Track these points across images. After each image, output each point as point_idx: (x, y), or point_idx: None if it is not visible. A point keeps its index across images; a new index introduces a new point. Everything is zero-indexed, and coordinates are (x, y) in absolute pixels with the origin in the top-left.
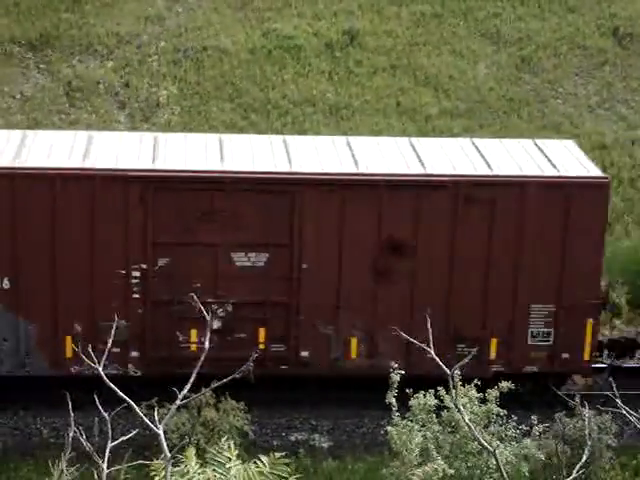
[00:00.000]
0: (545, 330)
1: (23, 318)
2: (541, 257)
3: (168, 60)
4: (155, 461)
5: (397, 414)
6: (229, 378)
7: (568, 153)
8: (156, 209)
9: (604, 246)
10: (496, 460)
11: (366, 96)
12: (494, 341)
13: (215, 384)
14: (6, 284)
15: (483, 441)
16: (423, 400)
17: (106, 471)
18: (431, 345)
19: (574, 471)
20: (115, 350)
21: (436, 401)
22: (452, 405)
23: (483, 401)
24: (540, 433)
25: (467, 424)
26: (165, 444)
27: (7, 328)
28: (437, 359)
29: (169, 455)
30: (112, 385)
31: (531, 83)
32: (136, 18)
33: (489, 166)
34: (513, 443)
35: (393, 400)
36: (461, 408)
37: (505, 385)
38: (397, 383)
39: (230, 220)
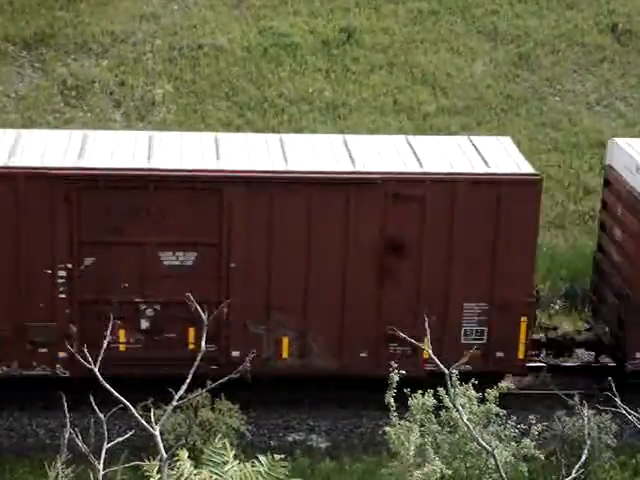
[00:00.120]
0: (478, 329)
1: None
2: (473, 255)
3: (163, 58)
4: (147, 462)
5: (395, 414)
6: (225, 379)
7: (502, 150)
8: (81, 208)
9: (537, 244)
10: (495, 460)
11: (363, 94)
12: (427, 340)
13: (211, 385)
14: None
15: (482, 441)
16: (421, 400)
17: (102, 472)
18: (429, 344)
19: (573, 471)
20: (43, 351)
21: (434, 401)
22: (451, 405)
23: (482, 401)
24: (539, 433)
25: (465, 424)
26: (161, 445)
27: None
28: (435, 359)
29: (165, 456)
30: (108, 386)
31: (529, 80)
32: (131, 16)
33: (420, 163)
34: (512, 443)
35: (392, 400)
36: (459, 408)
37: (505, 386)
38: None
39: (157, 219)
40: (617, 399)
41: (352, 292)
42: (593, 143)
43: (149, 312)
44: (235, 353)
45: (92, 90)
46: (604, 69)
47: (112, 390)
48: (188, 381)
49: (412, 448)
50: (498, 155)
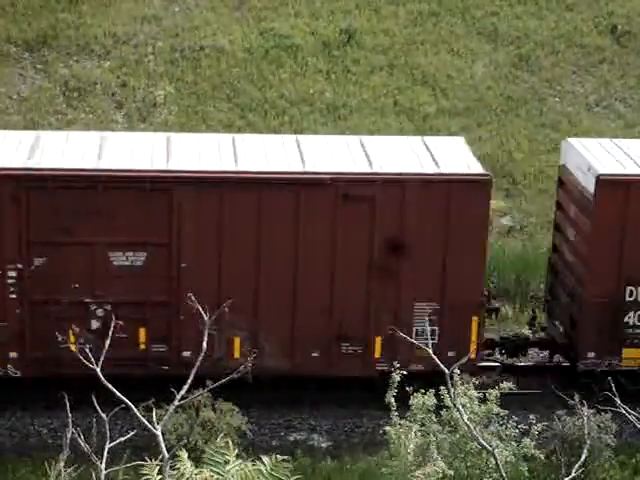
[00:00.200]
0: (430, 328)
1: None
2: (424, 255)
3: (165, 60)
4: (149, 462)
5: (396, 414)
6: (227, 379)
7: (454, 150)
8: (31, 208)
9: (487, 244)
10: (495, 460)
11: (363, 95)
12: (379, 340)
13: (212, 385)
14: None
15: (482, 441)
16: (422, 399)
17: (104, 472)
18: (429, 344)
19: (573, 470)
20: None
21: (435, 400)
22: (451, 404)
23: (482, 400)
24: (539, 432)
25: (466, 423)
26: (163, 445)
27: None
28: (435, 358)
29: (167, 456)
30: (110, 386)
31: (529, 81)
32: (133, 18)
33: (370, 164)
34: (512, 443)
35: (392, 400)
36: (460, 407)
37: (506, 386)
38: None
39: (107, 219)
40: (617, 399)
41: (303, 292)
42: None
43: (99, 312)
44: (186, 353)
45: (94, 91)
46: (603, 70)
47: (114, 390)
48: (189, 381)
49: (411, 447)
50: (449, 156)
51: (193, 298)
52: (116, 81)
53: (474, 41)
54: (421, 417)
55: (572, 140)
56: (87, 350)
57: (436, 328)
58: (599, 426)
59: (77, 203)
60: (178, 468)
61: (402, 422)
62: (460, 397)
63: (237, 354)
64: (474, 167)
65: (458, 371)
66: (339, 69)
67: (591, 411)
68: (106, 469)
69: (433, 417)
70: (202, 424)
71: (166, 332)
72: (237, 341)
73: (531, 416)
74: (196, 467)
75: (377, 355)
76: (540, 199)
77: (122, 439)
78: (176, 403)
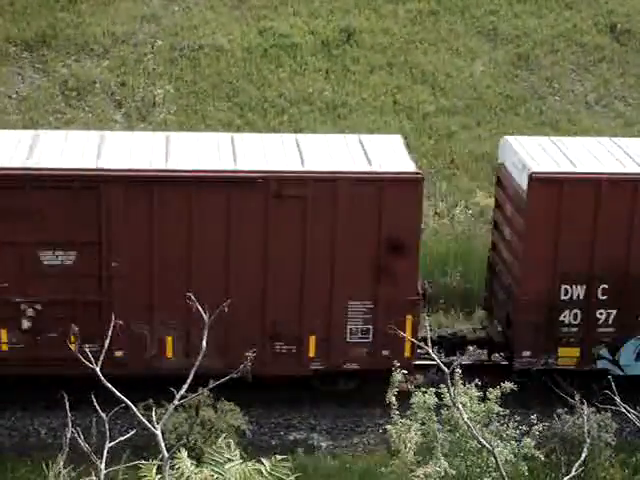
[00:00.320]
0: (364, 327)
1: None
2: (357, 253)
3: (164, 59)
4: (148, 462)
5: (397, 412)
6: (226, 378)
7: (389, 149)
8: None
9: (420, 242)
10: (495, 459)
11: (363, 94)
12: (312, 339)
13: (213, 384)
14: None
15: (482, 439)
16: (423, 398)
17: (104, 471)
18: (430, 344)
19: (573, 469)
20: None
21: (436, 399)
22: (452, 403)
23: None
24: (539, 432)
25: (466, 422)
26: (163, 444)
27: None
28: (434, 356)
29: (167, 455)
30: (110, 386)
31: (528, 80)
32: (132, 17)
33: (302, 162)
34: (513, 442)
35: (393, 399)
36: (460, 406)
37: (508, 386)
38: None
39: (36, 218)
40: (617, 397)
41: (235, 291)
42: None
43: (30, 312)
44: (118, 353)
45: (93, 91)
46: (603, 69)
47: (114, 390)
48: (189, 381)
49: (409, 445)
50: (383, 154)
51: (193, 297)
52: (115, 80)
53: (473, 40)
54: (421, 416)
55: (509, 138)
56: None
57: (370, 327)
58: (599, 425)
59: (6, 202)
60: (178, 468)
61: (403, 421)
62: (460, 396)
63: (170, 354)
64: (406, 166)
65: (459, 371)
66: (338, 68)
67: (591, 410)
68: (106, 469)
69: (434, 416)
70: (202, 423)
71: (97, 332)
72: (169, 340)
73: (532, 416)
74: (196, 467)
75: (311, 354)
76: None
77: (122, 438)
78: (176, 402)
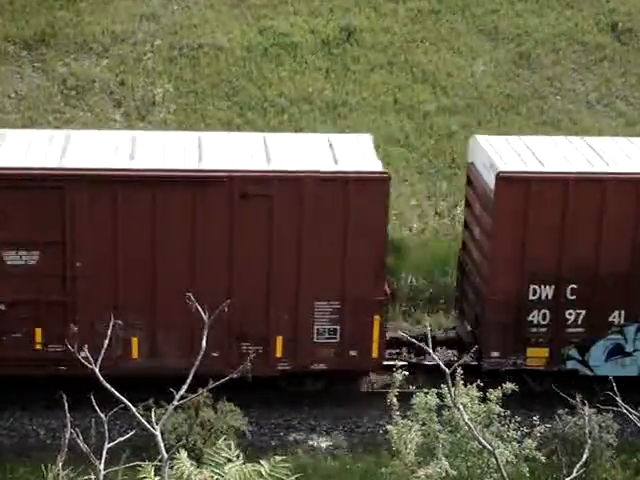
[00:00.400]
0: (331, 327)
1: None
2: (323, 253)
3: (164, 58)
4: (147, 462)
5: (397, 413)
6: (226, 379)
7: (357, 148)
8: None
9: (386, 242)
10: (496, 460)
11: (363, 93)
12: (279, 339)
13: (212, 384)
14: None
15: (483, 440)
16: (424, 399)
17: (103, 472)
18: (430, 346)
19: (574, 470)
20: None
21: (437, 400)
22: (452, 404)
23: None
24: (540, 433)
25: (467, 423)
26: (162, 445)
27: None
28: (435, 357)
29: (166, 456)
30: (109, 386)
31: (529, 79)
32: (131, 16)
33: (268, 161)
34: (514, 443)
35: (394, 399)
36: (460, 407)
37: (509, 387)
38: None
39: None
40: (618, 398)
41: (201, 292)
42: None
43: None
44: (83, 354)
45: (92, 90)
46: (604, 68)
47: (113, 390)
48: (189, 381)
49: (410, 446)
50: (350, 153)
51: (192, 297)
52: (114, 79)
53: (474, 39)
54: (422, 417)
55: (479, 137)
56: None
57: (337, 327)
58: (600, 426)
59: None
60: (177, 468)
61: (404, 421)
62: (461, 397)
63: (135, 354)
64: (373, 165)
65: (461, 371)
66: (339, 67)
67: (592, 411)
68: (105, 469)
69: (434, 417)
70: (201, 424)
71: (62, 332)
72: (135, 341)
73: (535, 418)
74: (196, 467)
75: (278, 354)
76: None
77: (121, 439)
78: (175, 403)
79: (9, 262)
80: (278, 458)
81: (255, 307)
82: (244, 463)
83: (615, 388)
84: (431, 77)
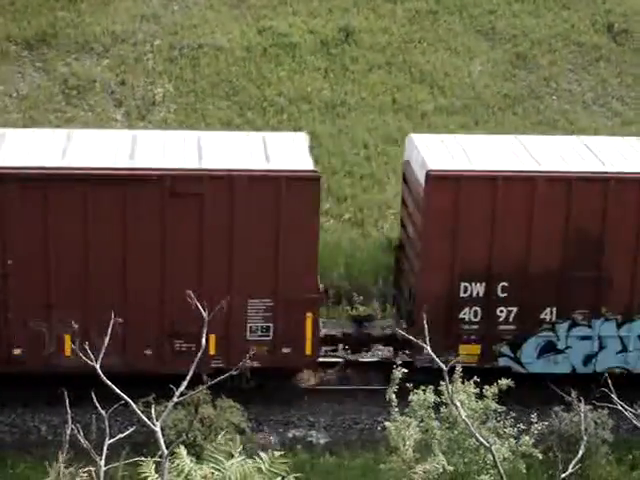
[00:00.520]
0: (264, 325)
1: None
2: (255, 252)
3: (164, 58)
4: (148, 459)
5: (396, 409)
6: (225, 376)
7: (290, 147)
8: None
9: (318, 240)
10: (493, 456)
11: (362, 93)
12: (212, 337)
13: (211, 381)
14: None
15: (480, 437)
16: (423, 396)
17: (104, 468)
18: (428, 342)
19: (570, 466)
20: None
21: (435, 397)
22: (449, 401)
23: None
24: (537, 430)
25: (464, 420)
26: (162, 441)
27: None
28: (434, 356)
29: (166, 452)
30: (109, 383)
31: (526, 80)
32: (132, 16)
33: (200, 160)
34: (511, 440)
35: (393, 396)
36: (458, 404)
37: (505, 383)
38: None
39: None
40: (613, 395)
41: (134, 290)
42: None
43: None
44: (17, 351)
45: (93, 90)
46: (600, 68)
47: (113, 387)
48: (189, 378)
49: (408, 443)
50: (283, 152)
51: (192, 295)
52: (115, 79)
53: (472, 39)
54: (421, 414)
55: (414, 136)
56: None
57: (270, 325)
58: (596, 422)
59: None
60: (177, 465)
61: (402, 418)
62: (458, 394)
63: (68, 352)
64: (305, 164)
65: (460, 369)
66: (337, 67)
67: (588, 407)
68: (105, 465)
69: (432, 413)
70: (201, 420)
71: None
72: (68, 338)
73: (533, 415)
74: (196, 463)
75: (212, 352)
76: None
77: (121, 435)
78: (175, 399)
79: None
80: (277, 453)
81: (187, 305)
82: (242, 459)
83: (611, 385)
84: (429, 77)
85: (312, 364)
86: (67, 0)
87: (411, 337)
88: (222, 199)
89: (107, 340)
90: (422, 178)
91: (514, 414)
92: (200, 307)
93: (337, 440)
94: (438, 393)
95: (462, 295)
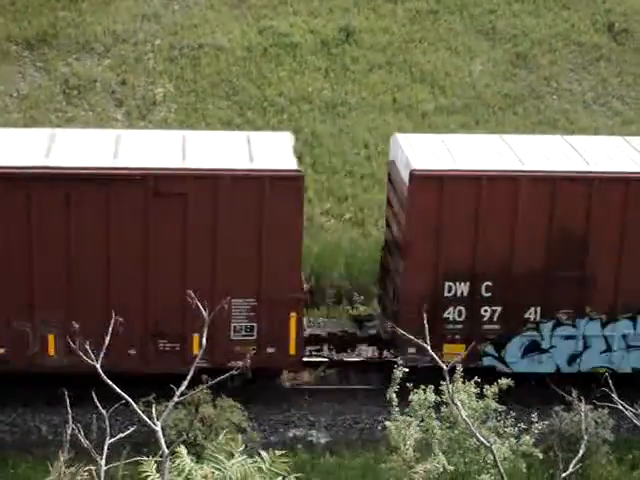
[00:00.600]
0: (248, 324)
1: None
2: (239, 251)
3: (164, 58)
4: (149, 458)
5: (397, 409)
6: (226, 375)
7: (274, 147)
8: None
9: (302, 240)
10: (493, 456)
11: (362, 93)
12: (196, 337)
13: (212, 381)
14: None
15: (480, 437)
16: (423, 396)
17: (104, 468)
18: (427, 341)
19: (570, 466)
20: None
21: (435, 397)
22: (450, 401)
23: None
24: (537, 430)
25: (465, 420)
26: (163, 440)
27: None
28: (435, 356)
29: (167, 451)
30: (110, 382)
31: (526, 79)
32: (132, 16)
33: (183, 159)
34: (511, 439)
35: (394, 396)
36: (458, 404)
37: (505, 382)
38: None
39: None
40: (614, 395)
41: (117, 290)
42: None
43: None
44: (1, 351)
45: (94, 89)
46: (601, 68)
47: (114, 386)
48: (189, 378)
49: (408, 442)
50: (267, 151)
51: (192, 294)
52: (116, 79)
53: (472, 39)
54: (421, 413)
55: (399, 136)
56: None
57: (254, 324)
58: (596, 422)
59: None
60: (178, 464)
61: (402, 418)
62: (459, 393)
63: (52, 351)
64: (288, 163)
65: (461, 368)
66: (338, 67)
67: (589, 407)
68: (106, 465)
69: (433, 413)
70: (202, 420)
71: None
72: (52, 338)
73: (533, 415)
74: (197, 463)
75: (196, 352)
76: None
77: (122, 435)
78: (176, 399)
79: None
80: (278, 453)
81: (171, 305)
82: (243, 458)
83: (611, 384)
84: (429, 77)
85: (296, 364)
86: (68, 0)
87: (411, 337)
88: (206, 199)
89: (96, 340)
90: (406, 178)
91: (514, 414)
92: (200, 307)
93: (337, 440)
94: (438, 392)
95: (446, 295)
